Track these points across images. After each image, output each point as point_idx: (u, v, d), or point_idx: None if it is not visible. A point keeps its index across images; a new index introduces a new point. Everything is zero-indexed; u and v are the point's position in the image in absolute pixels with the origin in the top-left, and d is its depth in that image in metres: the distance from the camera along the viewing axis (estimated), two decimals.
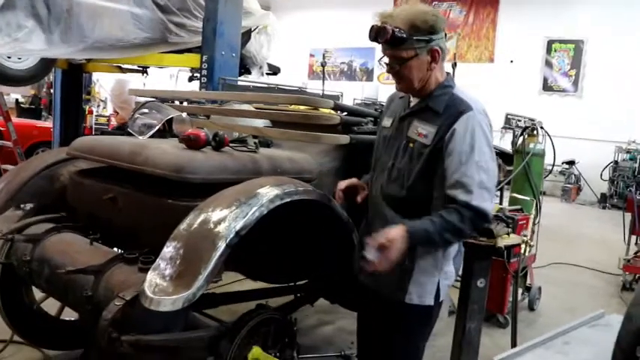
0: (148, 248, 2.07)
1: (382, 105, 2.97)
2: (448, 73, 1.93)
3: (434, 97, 1.88)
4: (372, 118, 2.90)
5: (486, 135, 1.80)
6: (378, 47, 1.85)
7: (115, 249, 2.33)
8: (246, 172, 2.28)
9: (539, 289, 4.58)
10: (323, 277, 2.70)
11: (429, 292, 1.92)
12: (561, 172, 11.79)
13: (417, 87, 1.89)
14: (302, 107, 3.34)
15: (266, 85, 6.41)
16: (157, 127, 2.68)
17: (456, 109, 1.82)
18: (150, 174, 2.18)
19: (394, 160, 1.93)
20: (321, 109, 3.08)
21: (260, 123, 2.92)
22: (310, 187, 2.22)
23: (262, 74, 7.26)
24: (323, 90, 5.04)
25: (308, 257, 2.58)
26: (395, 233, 1.73)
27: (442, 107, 1.85)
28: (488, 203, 1.78)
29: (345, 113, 2.83)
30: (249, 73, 7.23)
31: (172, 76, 10.99)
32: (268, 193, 1.98)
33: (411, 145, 1.88)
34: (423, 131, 1.86)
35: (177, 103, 3.35)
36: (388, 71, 1.89)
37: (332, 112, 2.94)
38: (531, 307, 4.47)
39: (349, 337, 3.53)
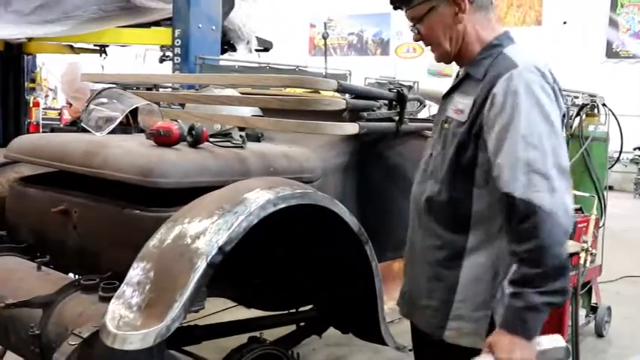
0: (110, 272, 2.08)
1: (401, 85, 2.97)
2: (506, 31, 1.86)
3: (475, 62, 1.81)
4: (387, 101, 2.90)
5: (537, 98, 1.64)
6: (394, 13, 1.87)
7: (70, 275, 2.33)
8: (230, 174, 2.29)
9: (609, 309, 4.55)
10: (332, 300, 2.70)
11: (477, 329, 1.77)
12: (633, 161, 11.71)
13: (450, 50, 1.84)
14: (298, 90, 3.34)
15: (255, 65, 6.43)
16: (119, 121, 2.69)
17: (498, 69, 1.72)
18: (110, 179, 2.19)
19: (432, 150, 1.90)
20: (322, 91, 3.09)
21: (247, 111, 2.93)
22: (311, 190, 2.23)
23: (250, 51, 7.28)
24: (326, 68, 5.04)
25: (312, 277, 2.59)
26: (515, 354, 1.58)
27: (483, 71, 1.76)
28: (546, 194, 1.58)
29: (353, 96, 2.84)
30: (234, 50, 7.26)
31: (138, 57, 11.06)
32: (258, 198, 1.98)
33: (446, 125, 1.83)
34: (460, 106, 1.79)
35: (143, 89, 3.37)
36: (415, 39, 1.91)
37: (336, 94, 2.94)
38: (599, 333, 4.45)
39: None
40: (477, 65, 1.79)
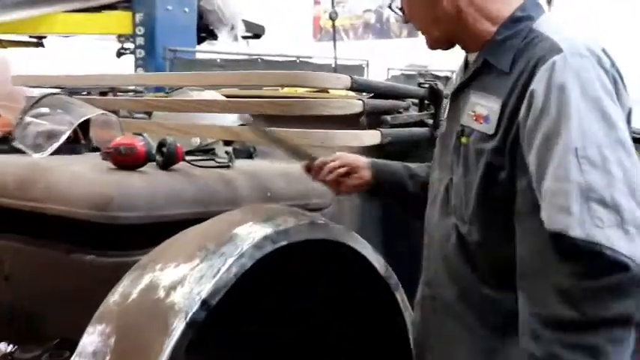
0: (56, 339, 2.09)
1: (435, 77, 2.98)
2: None
3: (495, 45, 1.73)
4: (417, 100, 2.90)
5: (594, 95, 1.54)
6: None
7: (1, 345, 2.32)
8: (214, 202, 2.30)
9: None
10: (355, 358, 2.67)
11: None
12: None
13: (439, 34, 1.83)
14: (300, 90, 3.35)
15: (243, 58, 6.48)
16: (65, 137, 2.70)
17: (533, 55, 1.63)
18: (54, 215, 2.19)
19: (449, 173, 1.82)
20: (331, 90, 3.09)
21: (234, 120, 2.94)
22: (321, 220, 2.23)
23: (236, 39, 7.33)
24: (335, 58, 5.07)
25: (328, 334, 2.58)
26: None
27: (509, 59, 1.68)
28: (617, 232, 1.45)
29: (372, 95, 2.84)
30: (215, 38, 7.30)
31: (87, 51, 11.15)
32: (252, 233, 1.98)
33: (464, 140, 1.74)
34: (481, 110, 1.69)
35: (96, 94, 3.39)
36: (404, 21, 1.94)
37: (349, 93, 2.95)
38: None
39: None
40: (499, 50, 1.71)
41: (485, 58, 1.74)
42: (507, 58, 1.67)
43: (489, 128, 1.66)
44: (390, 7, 1.93)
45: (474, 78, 1.79)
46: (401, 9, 1.90)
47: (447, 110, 1.96)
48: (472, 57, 1.83)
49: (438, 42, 1.86)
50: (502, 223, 1.65)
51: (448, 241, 1.79)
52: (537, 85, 1.56)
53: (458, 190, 1.77)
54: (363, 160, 2.25)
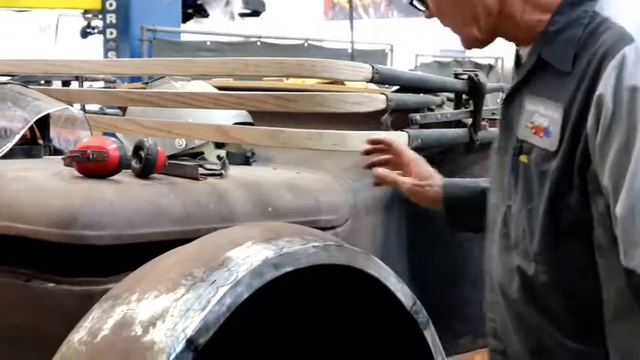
0: None
1: (476, 66, 2.99)
2: None
3: (549, 37, 1.73)
4: (453, 94, 2.91)
5: None
6: None
7: None
8: (203, 220, 2.31)
9: None
10: None
11: None
12: None
13: (479, 34, 1.82)
14: (309, 81, 3.36)
15: (240, 40, 6.50)
16: (19, 137, 2.70)
17: (597, 48, 1.62)
18: (6, 235, 2.19)
19: (506, 198, 1.82)
20: (347, 82, 3.09)
21: (228, 118, 2.95)
22: (335, 241, 2.24)
23: (232, 17, 7.33)
24: (352, 42, 5.09)
25: None
26: None
27: (570, 55, 1.68)
28: None
29: (397, 88, 2.84)
30: (205, 15, 7.30)
31: (45, 29, 11.18)
32: (250, 257, 1.99)
33: (524, 158, 1.75)
34: (540, 121, 1.70)
35: (57, 84, 3.39)
36: (427, 16, 1.92)
37: (370, 86, 2.95)
38: None
39: None
40: (555, 44, 1.71)
41: (540, 55, 1.74)
42: (567, 53, 1.67)
43: (551, 144, 1.66)
44: (411, 3, 1.90)
45: (528, 79, 1.78)
46: (423, 2, 1.88)
47: (500, 117, 1.96)
48: (524, 51, 1.82)
49: (477, 41, 1.86)
50: (578, 259, 1.66)
51: (511, 285, 1.78)
52: (605, 87, 1.55)
53: (519, 221, 1.76)
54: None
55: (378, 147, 2.31)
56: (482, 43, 1.86)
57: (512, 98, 1.84)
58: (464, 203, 2.20)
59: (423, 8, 1.87)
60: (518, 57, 1.88)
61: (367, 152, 2.33)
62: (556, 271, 1.69)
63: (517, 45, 1.86)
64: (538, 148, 1.70)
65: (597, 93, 1.56)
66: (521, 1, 1.75)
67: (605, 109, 1.55)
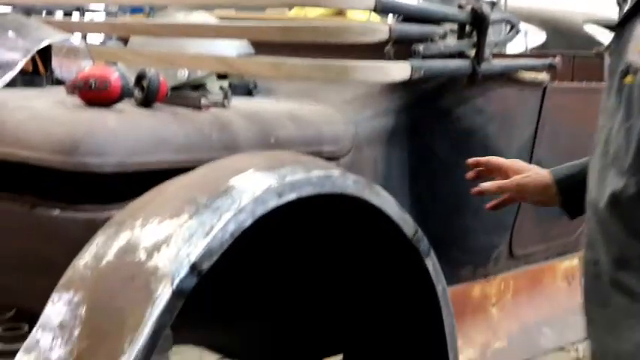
0: (12, 309, 2.10)
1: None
2: None
3: None
4: (456, 25, 2.88)
5: None
6: None
7: None
8: (205, 148, 2.29)
9: None
10: (372, 349, 2.70)
11: None
12: None
13: None
14: (312, 12, 3.31)
15: None
16: (20, 67, 2.67)
17: None
18: (12, 162, 2.19)
19: (610, 119, 1.85)
20: (349, 10, 3.06)
21: (230, 49, 2.92)
22: (337, 171, 2.23)
23: None
24: None
25: (340, 310, 2.60)
26: None
27: None
28: None
29: (400, 18, 2.81)
30: None
31: None
32: (253, 185, 1.98)
33: (629, 79, 1.76)
34: None
35: (58, 16, 3.36)
36: None
37: (372, 16, 2.91)
38: None
39: None
40: None
41: None
42: None
43: None
44: None
45: (638, 6, 1.78)
46: None
47: (611, 43, 1.95)
48: None
49: None
50: None
51: (602, 199, 1.80)
52: None
53: (617, 139, 1.78)
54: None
55: (481, 170, 2.26)
56: None
57: (625, 25, 1.83)
58: (577, 179, 2.13)
59: None
60: None
61: (474, 178, 2.28)
62: None
63: None
64: None
65: None
66: None
67: None
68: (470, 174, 2.28)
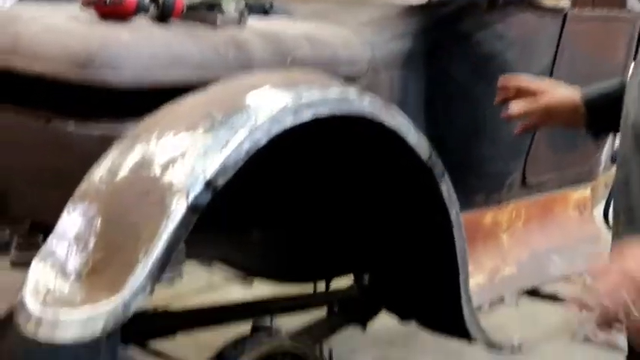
0: (27, 221, 2.10)
1: None
2: None
3: None
4: None
5: None
6: None
7: None
8: (221, 65, 2.27)
9: None
10: (384, 269, 2.74)
11: None
12: None
13: None
14: None
15: None
16: None
17: None
18: (25, 75, 2.18)
19: None
20: None
21: None
22: (354, 90, 2.20)
23: None
24: None
25: (353, 230, 2.61)
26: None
27: None
28: None
29: None
30: None
31: None
32: (269, 102, 1.96)
33: None
34: None
35: None
36: None
37: None
38: None
39: None
40: None
41: None
42: None
43: None
44: None
45: None
46: None
47: None
48: None
49: None
50: None
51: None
52: None
53: None
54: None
55: (510, 93, 2.23)
56: None
57: None
58: (607, 99, 2.12)
59: None
60: None
61: (502, 101, 2.26)
62: None
63: None
64: None
65: None
66: None
67: None
68: (498, 99, 2.27)
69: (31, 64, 2.15)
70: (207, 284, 3.84)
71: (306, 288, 3.09)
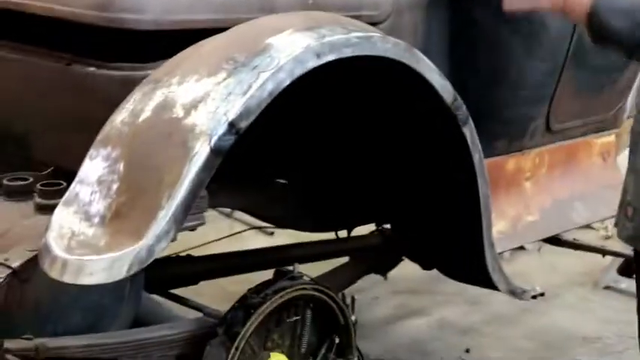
0: (51, 166, 2.08)
1: None
2: None
3: None
4: None
5: None
6: None
7: None
8: (244, 8, 2.23)
9: None
10: (406, 217, 2.72)
11: None
12: None
13: None
14: None
15: None
16: None
17: None
18: (48, 17, 2.15)
19: None
20: None
21: None
22: (377, 33, 2.18)
23: None
24: None
25: (375, 177, 2.60)
26: None
27: None
28: None
29: None
30: None
31: None
32: (291, 44, 1.94)
33: None
34: None
35: None
36: None
37: None
38: None
39: (461, 339, 3.59)
40: None
41: None
42: None
43: None
44: None
45: None
46: None
47: None
48: None
49: None
50: None
51: None
52: None
53: None
54: None
55: None
56: None
57: None
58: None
59: None
60: None
61: None
62: None
63: None
64: None
65: None
66: None
67: None
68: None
69: (52, 7, 2.13)
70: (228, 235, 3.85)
71: (328, 238, 3.08)
